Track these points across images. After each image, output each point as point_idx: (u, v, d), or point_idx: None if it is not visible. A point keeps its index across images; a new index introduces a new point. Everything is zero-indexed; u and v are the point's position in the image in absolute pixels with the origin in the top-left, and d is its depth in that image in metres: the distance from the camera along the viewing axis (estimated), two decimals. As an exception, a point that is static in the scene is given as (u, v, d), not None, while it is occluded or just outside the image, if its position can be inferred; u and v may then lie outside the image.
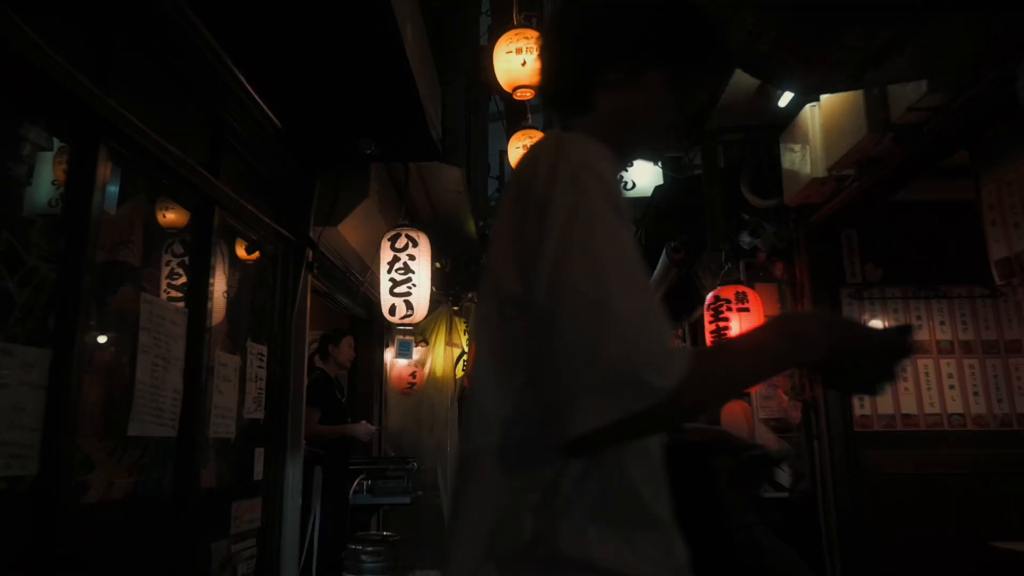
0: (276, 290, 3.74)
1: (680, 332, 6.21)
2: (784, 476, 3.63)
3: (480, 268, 1.04)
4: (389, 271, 4.10)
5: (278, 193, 3.69)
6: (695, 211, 4.22)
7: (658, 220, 4.28)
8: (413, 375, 6.38)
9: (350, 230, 4.19)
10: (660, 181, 4.95)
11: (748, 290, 3.56)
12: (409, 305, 4.06)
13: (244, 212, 3.25)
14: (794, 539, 3.69)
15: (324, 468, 4.33)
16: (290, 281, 3.83)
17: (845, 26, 1.62)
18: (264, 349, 3.52)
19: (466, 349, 7.02)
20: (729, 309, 3.53)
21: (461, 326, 7.25)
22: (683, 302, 6.14)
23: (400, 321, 4.10)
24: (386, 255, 4.13)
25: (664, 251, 4.39)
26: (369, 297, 6.06)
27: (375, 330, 6.24)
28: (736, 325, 3.50)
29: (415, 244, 4.10)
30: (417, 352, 6.39)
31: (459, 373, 7.22)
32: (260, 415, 3.45)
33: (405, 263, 4.08)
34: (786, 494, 3.64)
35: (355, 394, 6.17)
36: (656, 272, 4.76)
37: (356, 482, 4.90)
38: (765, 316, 3.59)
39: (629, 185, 4.94)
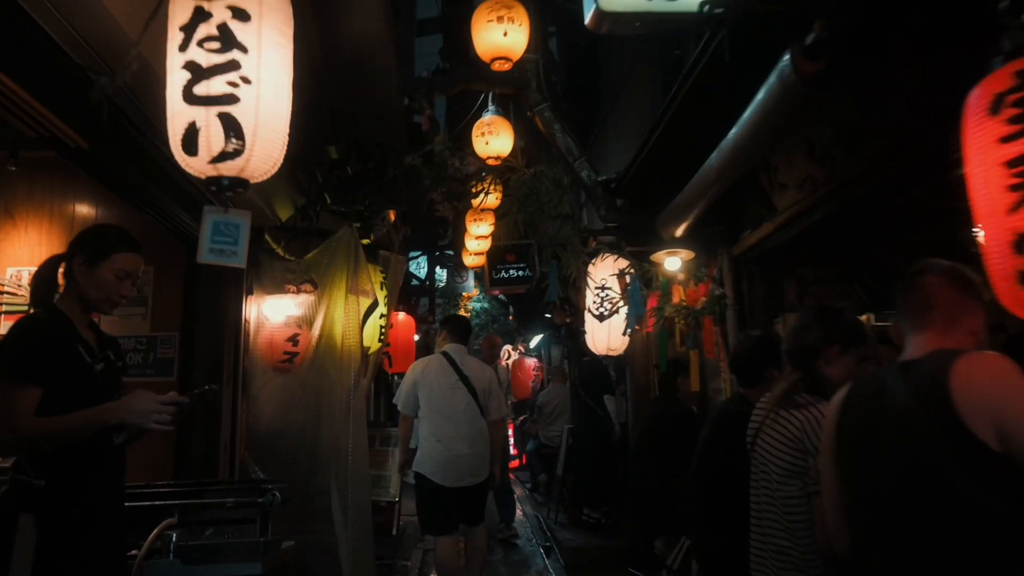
0: None
1: (714, 271, 4.03)
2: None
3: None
4: (184, 47, 1.69)
5: None
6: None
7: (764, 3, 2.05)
8: (294, 340, 3.95)
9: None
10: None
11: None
12: (232, 127, 1.67)
13: None
14: None
15: (43, 516, 1.89)
16: None
17: None
18: None
19: (383, 302, 4.63)
20: (1062, 107, 1.33)
21: (377, 275, 4.85)
22: (722, 225, 3.96)
23: (212, 170, 1.71)
24: (180, 13, 1.71)
25: (786, 59, 2.15)
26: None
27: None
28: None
29: (248, -16, 1.70)
30: (300, 302, 3.96)
31: (371, 341, 4.81)
32: None
33: (224, 29, 1.68)
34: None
35: (190, 371, 3.68)
36: (749, 117, 2.51)
37: (155, 534, 2.46)
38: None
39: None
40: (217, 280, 3.77)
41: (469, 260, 7.61)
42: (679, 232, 3.66)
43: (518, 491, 10.63)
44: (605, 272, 4.28)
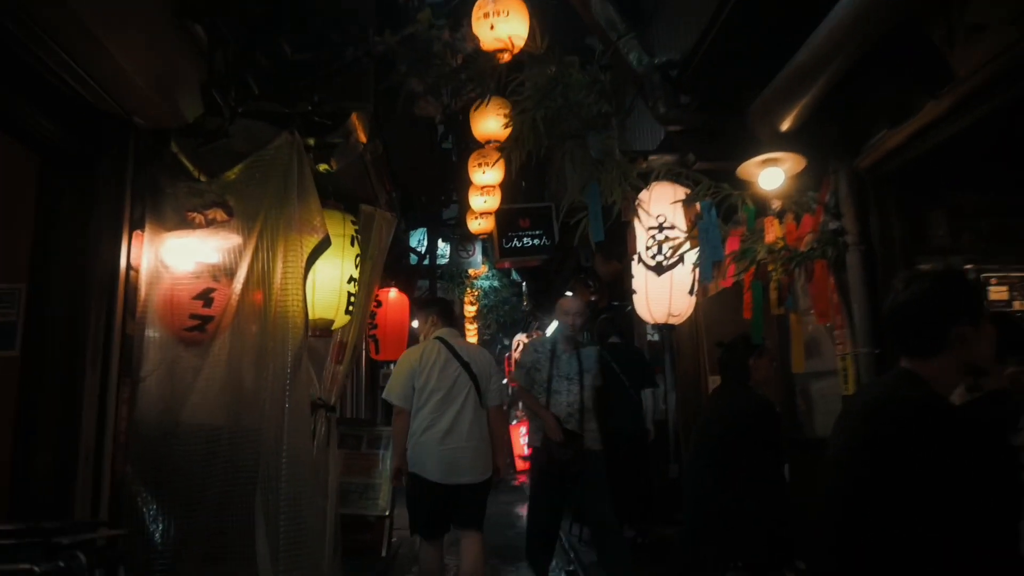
0: None
1: (826, 196, 2.73)
2: None
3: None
4: None
5: None
6: None
7: None
8: (206, 298, 2.66)
9: None
10: None
11: None
12: None
13: None
14: None
15: None
16: None
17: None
18: None
19: (352, 265, 3.38)
20: None
21: (346, 226, 3.65)
22: (838, 125, 2.63)
23: None
24: None
25: None
26: (70, 89, 2.33)
27: (99, 168, 2.50)
28: None
29: None
30: (217, 245, 2.68)
31: (332, 312, 3.59)
32: None
33: None
34: None
35: (42, 342, 2.41)
36: None
37: None
38: None
39: None
40: (85, 208, 2.50)
41: (475, 224, 6.31)
42: (787, 123, 2.35)
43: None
44: (662, 205, 2.97)
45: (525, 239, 6.60)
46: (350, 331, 4.62)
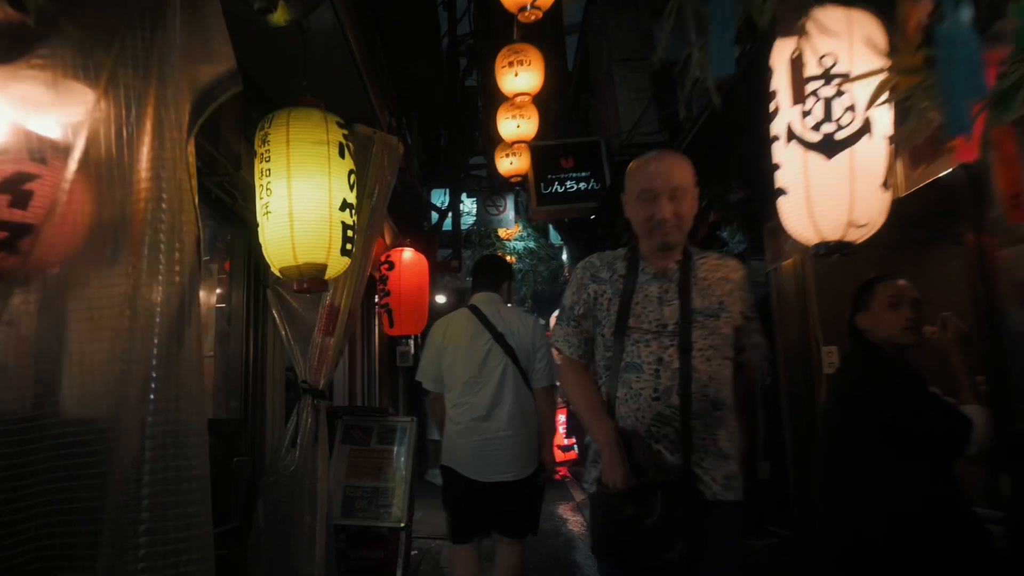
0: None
1: None
2: None
3: None
4: None
5: None
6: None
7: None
8: (18, 190, 1.47)
9: None
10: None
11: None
12: None
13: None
14: None
15: None
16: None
17: None
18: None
19: (349, 191, 2.17)
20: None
21: (332, 129, 2.46)
22: None
23: None
24: None
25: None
26: None
27: None
28: None
29: None
30: (27, 89, 1.49)
31: (317, 252, 2.41)
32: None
33: None
34: None
35: None
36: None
37: None
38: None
39: None
40: None
41: (506, 164, 5.05)
42: None
43: (578, 496, 8.15)
44: (830, 41, 1.69)
45: (568, 183, 5.32)
46: (343, 292, 3.66)
